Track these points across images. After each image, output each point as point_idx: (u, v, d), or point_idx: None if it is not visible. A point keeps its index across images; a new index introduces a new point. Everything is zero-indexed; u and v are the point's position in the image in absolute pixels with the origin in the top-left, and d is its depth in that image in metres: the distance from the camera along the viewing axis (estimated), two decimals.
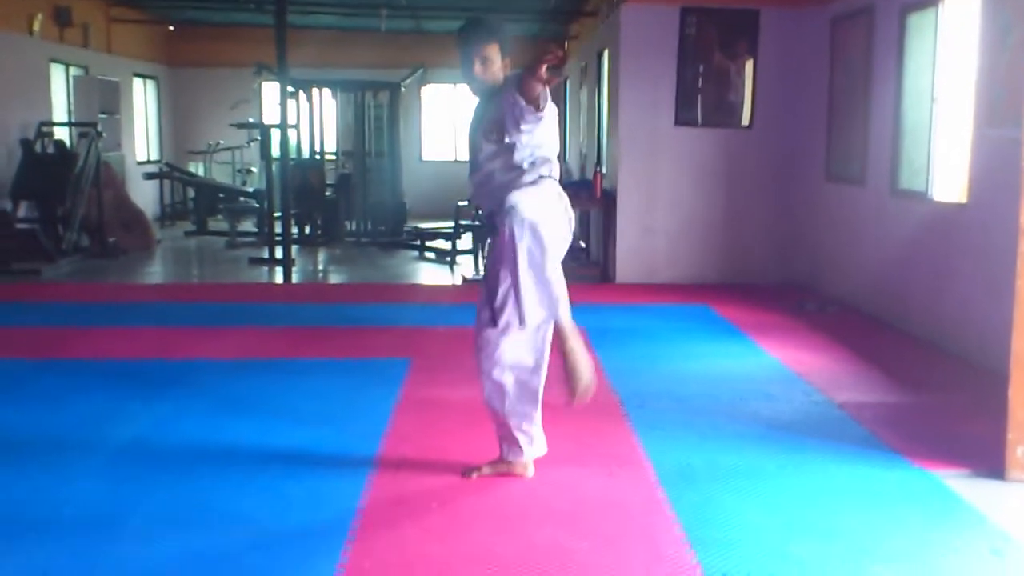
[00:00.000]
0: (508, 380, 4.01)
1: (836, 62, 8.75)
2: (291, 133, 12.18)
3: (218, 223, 14.20)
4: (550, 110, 3.75)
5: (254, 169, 16.53)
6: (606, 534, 3.58)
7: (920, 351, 6.76)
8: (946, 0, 6.89)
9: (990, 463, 4.26)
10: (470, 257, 11.29)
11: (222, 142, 16.60)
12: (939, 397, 5.62)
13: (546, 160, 3.90)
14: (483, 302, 3.99)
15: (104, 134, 12.07)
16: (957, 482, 4.16)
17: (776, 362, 6.37)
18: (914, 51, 7.30)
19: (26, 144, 11.27)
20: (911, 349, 6.84)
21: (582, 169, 13.21)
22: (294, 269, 10.31)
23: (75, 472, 4.20)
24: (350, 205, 13.51)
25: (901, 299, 7.42)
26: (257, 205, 13.59)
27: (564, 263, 3.88)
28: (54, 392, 5.54)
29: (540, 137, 3.83)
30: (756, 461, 4.40)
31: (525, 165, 3.85)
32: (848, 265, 8.50)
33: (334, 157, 14.75)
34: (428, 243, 12.49)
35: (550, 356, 4.00)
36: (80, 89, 13.55)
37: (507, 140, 3.81)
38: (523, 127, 3.72)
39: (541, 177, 3.87)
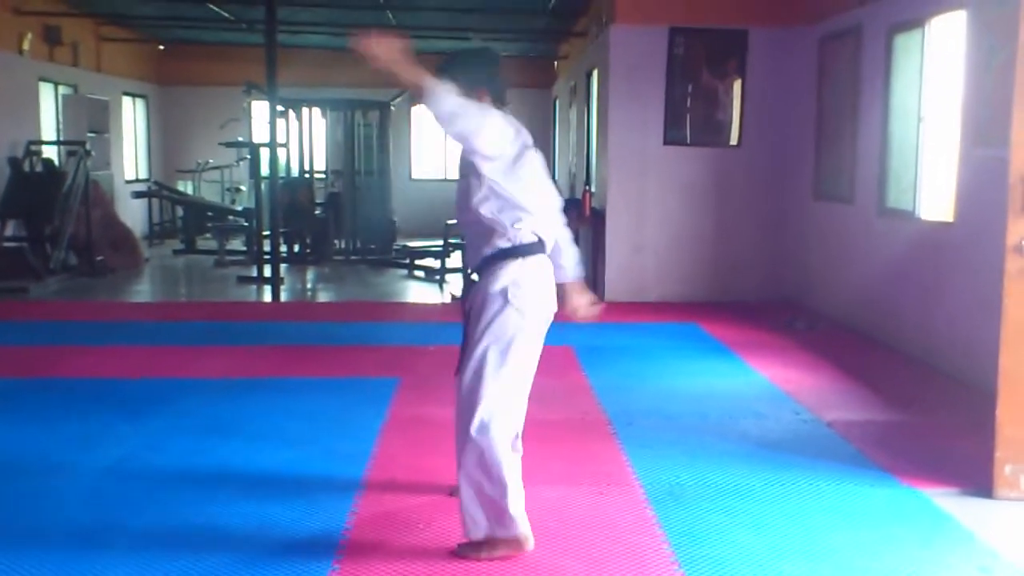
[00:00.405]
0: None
1: (824, 81, 8.79)
2: (280, 152, 12.20)
3: (207, 242, 14.17)
4: (510, 140, 3.42)
5: (243, 188, 16.52)
6: (595, 553, 3.57)
7: (909, 369, 6.77)
8: (932, 21, 6.94)
9: (978, 481, 4.26)
10: (459, 276, 11.29)
11: (211, 161, 16.59)
12: (928, 415, 5.62)
13: (518, 218, 3.42)
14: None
15: (93, 153, 12.06)
16: (946, 500, 4.16)
17: (764, 380, 6.37)
18: (901, 71, 7.34)
19: (14, 163, 11.25)
20: (900, 367, 6.85)
21: (571, 188, 13.24)
22: (283, 288, 10.29)
23: (61, 492, 4.17)
24: (339, 224, 13.50)
25: (890, 317, 7.43)
26: (246, 224, 13.57)
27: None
28: (41, 411, 5.50)
29: (505, 180, 3.41)
30: (745, 480, 4.39)
31: (486, 216, 3.42)
32: (836, 283, 8.52)
33: (323, 176, 14.75)
34: (417, 261, 12.48)
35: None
36: (69, 108, 13.54)
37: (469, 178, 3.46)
38: (466, 151, 3.42)
39: (516, 246, 3.43)
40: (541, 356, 3.63)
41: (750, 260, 9.66)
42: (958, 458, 4.68)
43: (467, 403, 3.41)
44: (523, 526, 3.46)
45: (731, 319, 8.59)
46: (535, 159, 3.53)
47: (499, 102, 3.56)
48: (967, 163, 6.27)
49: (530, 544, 3.48)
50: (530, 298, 3.43)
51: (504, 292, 3.40)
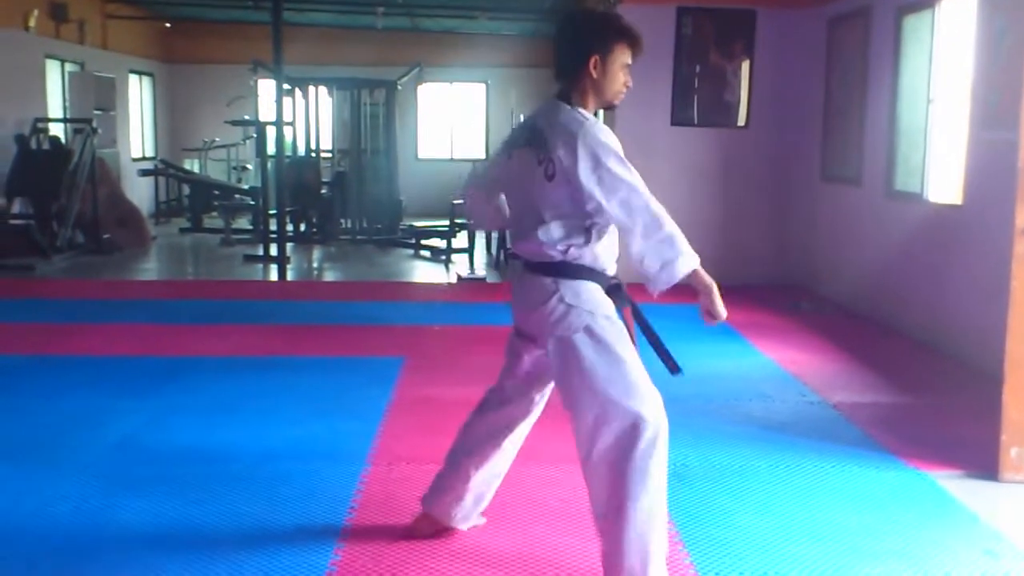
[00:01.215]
0: None
1: (832, 63, 8.75)
2: (287, 130, 12.17)
3: (213, 220, 14.16)
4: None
5: (249, 166, 16.49)
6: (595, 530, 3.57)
7: (915, 352, 6.77)
8: (942, 2, 6.90)
9: (984, 464, 4.26)
10: (465, 256, 11.28)
11: (218, 139, 16.57)
12: (934, 398, 5.62)
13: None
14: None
15: (99, 130, 12.04)
16: (951, 483, 4.16)
17: (771, 362, 6.37)
18: (910, 52, 7.30)
19: (21, 140, 11.24)
20: (906, 350, 6.84)
21: None
22: (289, 267, 10.30)
23: (68, 468, 4.19)
24: (345, 203, 13.49)
25: (897, 300, 7.42)
26: (252, 202, 13.56)
27: None
28: (48, 388, 5.52)
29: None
30: (750, 461, 4.40)
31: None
32: (844, 266, 8.50)
33: (330, 155, 14.73)
34: (423, 241, 12.47)
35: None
36: (75, 85, 13.51)
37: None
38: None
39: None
40: None
41: (757, 241, 9.64)
42: (964, 441, 4.68)
43: None
44: None
45: (738, 301, 8.50)
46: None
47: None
48: (976, 146, 6.24)
49: None
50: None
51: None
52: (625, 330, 3.08)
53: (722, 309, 3.07)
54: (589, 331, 2.97)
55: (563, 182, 2.89)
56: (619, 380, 2.96)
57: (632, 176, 2.90)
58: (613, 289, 3.10)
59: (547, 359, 3.09)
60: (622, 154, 2.92)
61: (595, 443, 2.94)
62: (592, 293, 3.02)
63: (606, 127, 2.97)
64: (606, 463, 2.93)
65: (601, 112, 3.51)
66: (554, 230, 2.95)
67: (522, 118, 3.23)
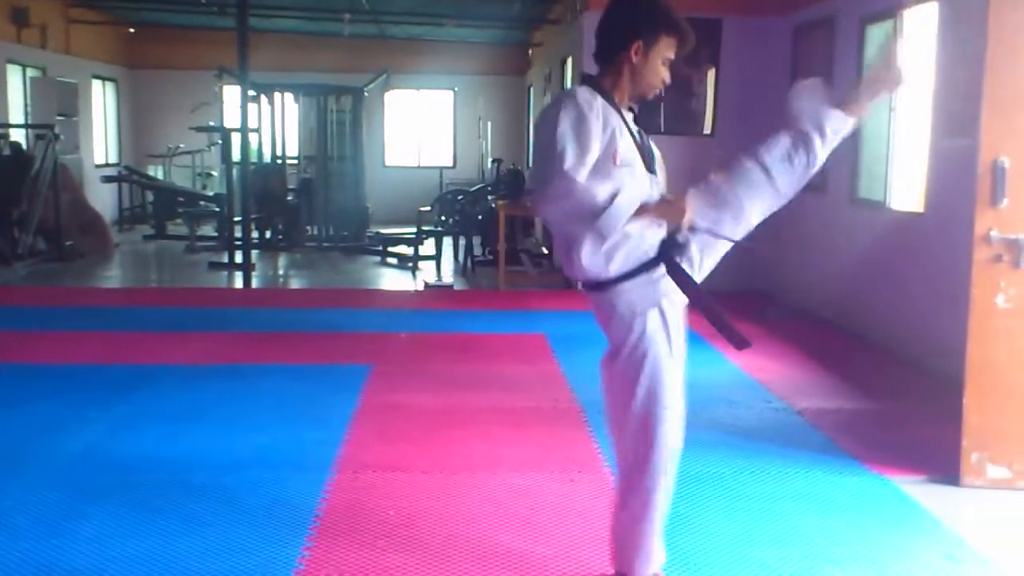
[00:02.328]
0: None
1: (798, 71, 8.82)
2: (252, 137, 12.10)
3: (178, 227, 14.05)
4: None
5: (214, 173, 16.39)
6: (565, 539, 3.57)
7: (879, 358, 6.83)
8: (905, 12, 6.98)
9: (946, 469, 4.30)
10: (432, 263, 11.26)
11: (182, 146, 16.44)
12: (897, 404, 5.67)
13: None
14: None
15: (62, 136, 11.92)
16: (913, 488, 4.20)
17: (736, 369, 6.41)
18: (874, 61, 7.38)
19: None
20: (870, 356, 6.90)
21: None
22: (254, 274, 10.23)
23: (28, 478, 4.12)
24: (312, 210, 13.43)
25: (860, 306, 7.49)
26: (217, 209, 13.47)
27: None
28: (9, 397, 5.44)
29: None
30: (716, 467, 4.42)
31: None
32: (808, 273, 8.57)
33: (296, 162, 14.67)
34: (390, 248, 12.44)
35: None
36: (37, 90, 13.37)
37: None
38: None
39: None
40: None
41: None
42: (926, 446, 4.72)
43: None
44: None
45: None
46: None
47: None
48: (937, 154, 6.32)
49: None
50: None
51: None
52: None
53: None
54: None
55: None
56: None
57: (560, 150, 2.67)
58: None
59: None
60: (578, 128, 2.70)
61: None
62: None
63: (578, 98, 2.75)
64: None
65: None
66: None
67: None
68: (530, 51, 16.77)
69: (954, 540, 3.68)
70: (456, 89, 17.91)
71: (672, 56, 2.91)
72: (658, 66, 2.90)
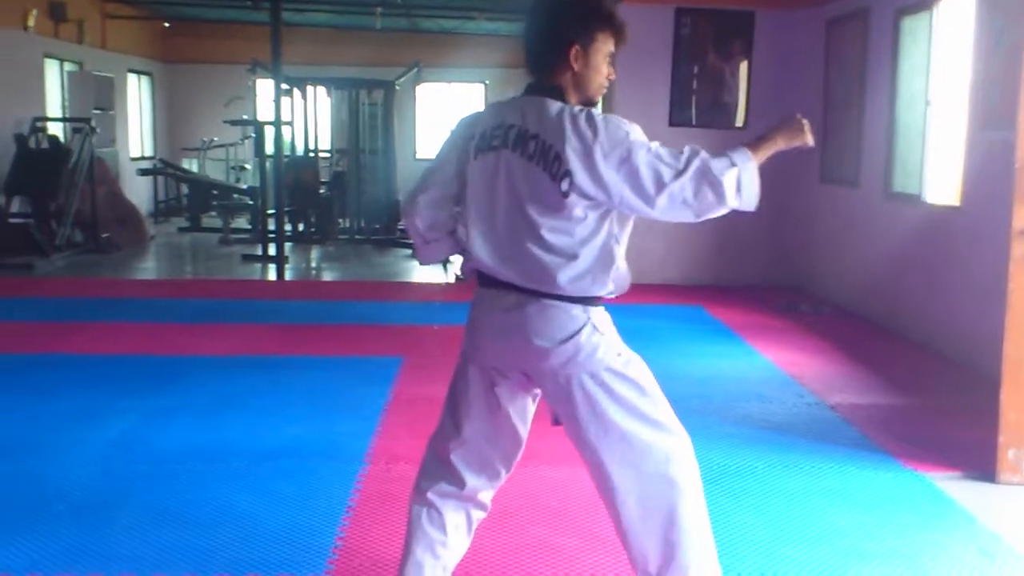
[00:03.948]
0: None
1: (831, 64, 8.76)
2: (285, 130, 12.17)
3: (212, 220, 14.17)
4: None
5: (248, 166, 16.49)
6: (596, 532, 3.58)
7: (913, 353, 6.77)
8: (941, 3, 6.90)
9: (981, 465, 4.27)
10: (462, 256, 11.28)
11: (216, 139, 16.57)
12: (931, 399, 5.62)
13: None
14: None
15: (98, 130, 12.03)
16: (948, 484, 4.17)
17: (769, 363, 6.38)
18: (909, 53, 7.31)
19: (20, 139, 11.24)
20: (904, 351, 6.85)
21: None
22: (287, 266, 10.30)
23: (66, 466, 4.19)
24: (344, 203, 13.49)
25: (894, 301, 7.43)
26: (251, 202, 13.57)
27: None
28: (46, 387, 5.52)
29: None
30: (747, 462, 4.40)
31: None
32: (842, 267, 8.51)
33: (328, 155, 14.73)
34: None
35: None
36: (74, 85, 13.51)
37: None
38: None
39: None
40: None
41: (755, 243, 9.63)
42: (961, 442, 4.68)
43: None
44: None
45: (736, 302, 8.59)
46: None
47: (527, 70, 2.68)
48: (974, 147, 6.25)
49: None
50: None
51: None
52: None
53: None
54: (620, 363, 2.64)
55: (581, 196, 2.44)
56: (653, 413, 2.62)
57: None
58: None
59: (554, 403, 2.68)
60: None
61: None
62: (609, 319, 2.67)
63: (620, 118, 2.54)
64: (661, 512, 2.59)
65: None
66: (583, 261, 2.52)
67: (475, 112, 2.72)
68: None
69: (989, 537, 3.65)
70: (487, 82, 17.91)
71: (613, 51, 2.69)
72: (601, 65, 2.65)
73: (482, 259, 2.61)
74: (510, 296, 2.57)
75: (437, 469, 2.79)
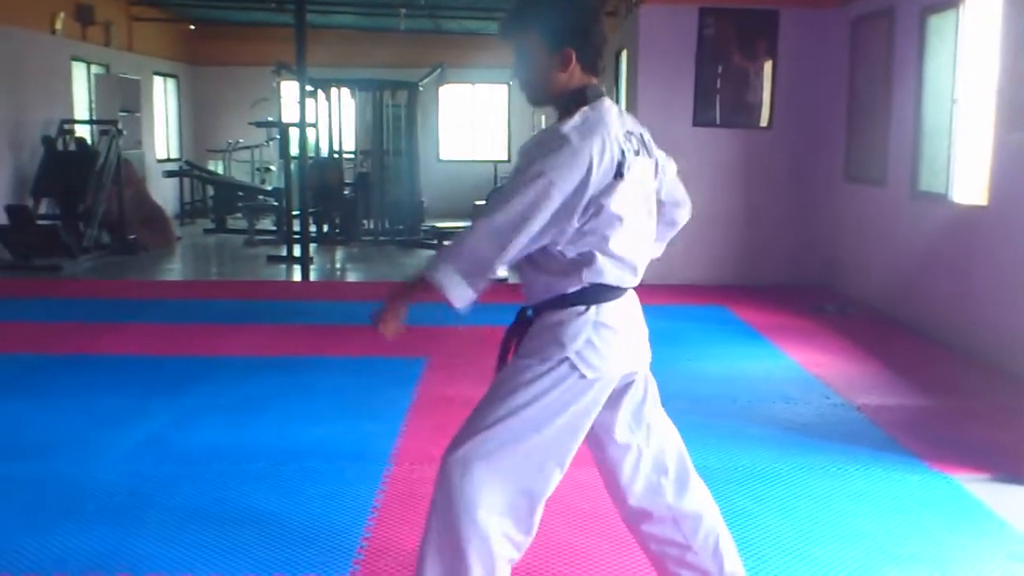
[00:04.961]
0: None
1: (856, 63, 8.71)
2: (310, 132, 12.23)
3: (237, 221, 14.25)
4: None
5: (273, 167, 16.58)
6: (623, 534, 3.56)
7: (940, 354, 6.72)
8: (967, 1, 6.85)
9: (1010, 468, 4.23)
10: None
11: (241, 140, 16.67)
12: (959, 401, 5.58)
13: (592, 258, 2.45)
14: None
15: (124, 132, 12.14)
16: (977, 486, 4.13)
17: (794, 364, 6.35)
18: (935, 52, 7.25)
19: (48, 141, 11.36)
20: (931, 352, 6.80)
21: None
22: (312, 267, 10.34)
23: (95, 467, 4.23)
24: (368, 204, 13.54)
25: (921, 301, 7.38)
26: (276, 203, 13.64)
27: None
28: (74, 387, 5.57)
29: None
30: (773, 463, 4.39)
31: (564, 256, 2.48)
32: (868, 267, 8.46)
33: (352, 156, 14.79)
34: (445, 242, 12.46)
35: None
36: (101, 87, 13.63)
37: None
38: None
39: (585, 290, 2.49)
40: None
41: (780, 243, 9.60)
42: (990, 444, 4.65)
43: None
44: None
45: (760, 303, 8.55)
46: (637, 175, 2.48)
47: (590, 69, 2.55)
48: (1001, 146, 6.20)
49: None
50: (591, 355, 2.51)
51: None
52: None
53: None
54: None
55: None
56: None
57: None
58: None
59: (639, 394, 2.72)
60: None
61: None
62: None
63: None
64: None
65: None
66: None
67: (543, 120, 2.55)
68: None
69: (1019, 540, 3.62)
70: (511, 83, 17.90)
71: None
72: None
73: (634, 269, 2.54)
74: (633, 296, 2.64)
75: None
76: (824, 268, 9.42)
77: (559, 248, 2.45)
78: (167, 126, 16.93)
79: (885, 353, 6.68)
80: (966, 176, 6.98)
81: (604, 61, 2.60)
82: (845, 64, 8.91)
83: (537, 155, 2.38)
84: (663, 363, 6.37)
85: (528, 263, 2.55)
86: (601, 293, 2.50)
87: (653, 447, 2.75)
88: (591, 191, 2.36)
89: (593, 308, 2.48)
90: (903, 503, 3.96)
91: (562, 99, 2.51)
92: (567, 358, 2.47)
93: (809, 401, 5.47)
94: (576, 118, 2.43)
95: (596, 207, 2.39)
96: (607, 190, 2.38)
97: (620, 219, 2.43)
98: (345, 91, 14.24)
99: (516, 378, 2.55)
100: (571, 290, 2.49)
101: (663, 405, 2.88)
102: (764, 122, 9.48)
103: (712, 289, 9.19)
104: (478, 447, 2.53)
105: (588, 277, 2.47)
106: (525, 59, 2.53)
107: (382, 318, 2.67)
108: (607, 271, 2.47)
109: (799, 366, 6.29)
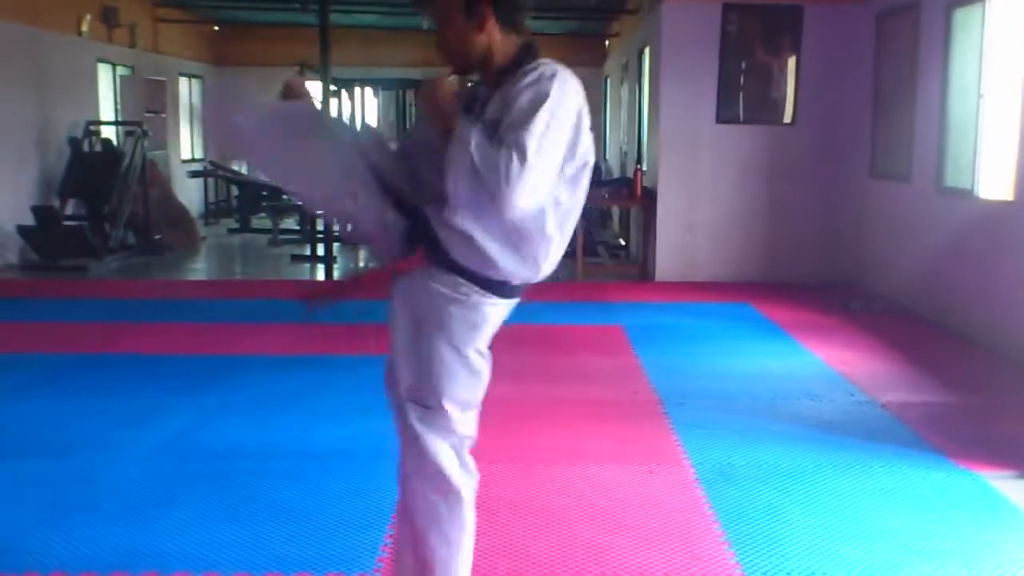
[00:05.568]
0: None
1: (881, 57, 8.64)
2: None
3: (261, 221, 14.32)
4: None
5: None
6: (644, 532, 3.57)
7: (966, 351, 6.67)
8: None
9: None
10: None
11: None
12: (985, 397, 5.53)
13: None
14: None
15: (150, 133, 12.22)
16: (1003, 483, 4.09)
17: (819, 361, 6.31)
18: (961, 46, 7.19)
19: (74, 143, 11.45)
20: (957, 349, 6.74)
21: (622, 167, 13.16)
22: (336, 266, 10.38)
23: (119, 465, 4.26)
24: None
25: (947, 298, 7.31)
26: (299, 203, 13.69)
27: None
28: (100, 386, 5.62)
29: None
30: (797, 460, 4.36)
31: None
32: (893, 263, 8.40)
33: None
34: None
35: None
36: (127, 88, 13.73)
37: None
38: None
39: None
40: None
41: (804, 239, 9.55)
42: (1016, 441, 4.61)
43: None
44: None
45: (785, 299, 8.51)
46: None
47: (511, 28, 2.42)
48: None
49: None
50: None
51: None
52: None
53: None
54: None
55: None
56: None
57: None
58: None
59: None
60: None
61: None
62: None
63: None
64: None
65: None
66: None
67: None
68: (607, 42, 16.68)
69: None
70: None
71: None
72: None
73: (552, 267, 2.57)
74: None
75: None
76: (849, 265, 9.36)
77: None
78: (192, 127, 17.03)
79: (910, 350, 6.63)
80: (992, 171, 6.91)
81: (525, 16, 2.43)
82: (870, 59, 8.85)
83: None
84: (686, 359, 6.35)
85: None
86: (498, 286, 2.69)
87: None
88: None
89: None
90: (928, 500, 3.93)
91: (491, 62, 2.42)
92: None
93: (834, 398, 5.43)
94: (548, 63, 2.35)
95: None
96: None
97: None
98: (368, 90, 14.28)
99: None
100: None
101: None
102: (788, 118, 9.43)
103: (736, 286, 9.15)
104: None
105: None
106: (440, 23, 2.44)
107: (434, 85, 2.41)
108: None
109: (824, 363, 6.25)
